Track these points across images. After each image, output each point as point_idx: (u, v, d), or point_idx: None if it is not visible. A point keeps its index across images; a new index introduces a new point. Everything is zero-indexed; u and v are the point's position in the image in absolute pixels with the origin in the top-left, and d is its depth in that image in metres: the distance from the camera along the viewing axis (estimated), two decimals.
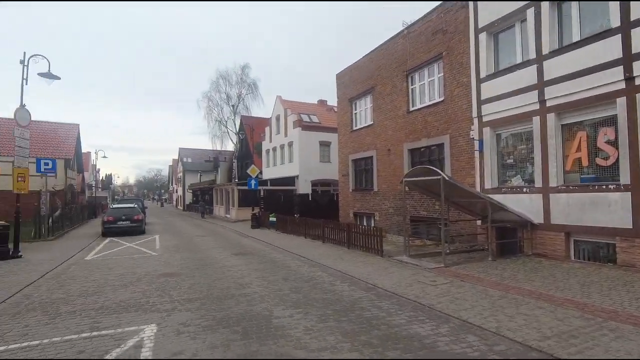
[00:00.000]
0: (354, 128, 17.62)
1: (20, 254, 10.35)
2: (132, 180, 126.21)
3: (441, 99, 12.19)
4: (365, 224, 16.13)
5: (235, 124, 38.67)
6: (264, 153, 33.61)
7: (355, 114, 17.63)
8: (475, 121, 10.84)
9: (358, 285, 7.14)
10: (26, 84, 10.05)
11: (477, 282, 6.99)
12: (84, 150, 40.95)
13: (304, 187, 26.56)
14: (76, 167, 34.70)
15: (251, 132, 28.83)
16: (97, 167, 67.28)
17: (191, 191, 51.58)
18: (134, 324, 4.90)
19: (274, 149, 31.14)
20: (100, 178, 64.39)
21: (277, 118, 30.24)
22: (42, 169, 13.23)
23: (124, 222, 16.86)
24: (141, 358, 3.80)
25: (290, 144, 27.73)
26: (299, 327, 4.78)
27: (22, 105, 10.09)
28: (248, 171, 21.90)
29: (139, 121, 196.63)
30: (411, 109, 13.77)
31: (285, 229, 18.04)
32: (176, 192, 73.21)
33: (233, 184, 27.59)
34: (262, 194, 25.51)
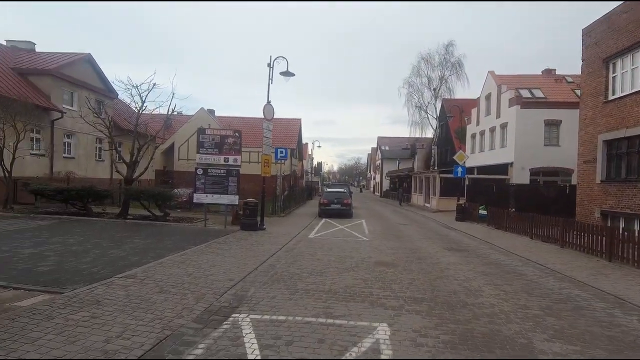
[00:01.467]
0: (610, 98, 13.02)
1: (264, 226, 12.56)
2: (335, 168, 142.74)
3: None
4: (622, 227, 11.74)
5: (435, 109, 36.71)
6: (468, 138, 30.44)
7: (614, 77, 12.95)
8: None
9: None
10: (271, 83, 12.08)
11: None
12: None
13: (519, 176, 22.32)
14: (298, 155, 41.32)
15: (460, 113, 26.19)
16: (312, 156, 79.05)
17: (389, 178, 53.10)
18: (364, 318, 4.60)
19: (482, 133, 27.62)
20: (314, 165, 75.12)
21: (487, 97, 26.54)
22: (279, 157, 15.81)
23: (335, 205, 18.44)
24: None
25: (504, 126, 23.78)
26: None
27: (268, 102, 12.17)
28: (455, 157, 20.02)
29: (341, 115, 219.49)
30: None
31: (500, 225, 15.47)
32: (374, 179, 77.55)
33: (435, 172, 26.16)
34: (466, 182, 23.08)
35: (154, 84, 13.20)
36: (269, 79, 12.02)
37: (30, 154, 17.72)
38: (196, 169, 12.07)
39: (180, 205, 16.73)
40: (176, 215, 14.09)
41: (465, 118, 30.92)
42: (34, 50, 22.51)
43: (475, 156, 28.21)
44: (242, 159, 14.57)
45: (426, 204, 28.78)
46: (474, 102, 29.67)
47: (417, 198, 32.82)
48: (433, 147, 37.99)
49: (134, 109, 14.41)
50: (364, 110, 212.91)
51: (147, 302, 4.82)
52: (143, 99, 13.37)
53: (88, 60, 22.39)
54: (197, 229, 11.80)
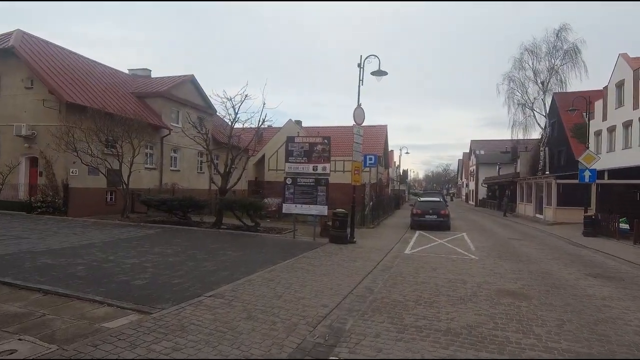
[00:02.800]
0: None
1: (354, 239, 11.64)
2: (421, 176, 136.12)
3: None
4: None
5: (544, 104, 31.89)
6: (591, 136, 25.48)
7: None
8: None
9: None
10: (362, 85, 11.23)
11: None
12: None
13: None
14: (383, 163, 39.78)
15: (587, 105, 21.77)
16: (397, 164, 76.20)
17: (486, 186, 48.04)
18: None
19: (611, 129, 22.83)
20: (399, 173, 72.19)
21: (619, 85, 21.84)
22: (367, 164, 14.85)
23: (431, 216, 16.66)
24: None
25: None
26: None
27: (359, 105, 11.34)
28: (580, 159, 16.65)
29: (426, 120, 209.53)
30: None
31: None
32: (466, 186, 71.35)
33: (550, 177, 22.29)
34: (594, 189, 19.06)
35: (246, 95, 13.45)
36: (359, 80, 11.18)
37: (145, 167, 19.80)
38: (285, 178, 11.77)
39: (270, 215, 16.83)
40: (266, 225, 14.05)
41: (583, 113, 25.94)
42: (150, 76, 25.53)
43: (602, 157, 23.36)
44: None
45: (537, 215, 24.75)
46: (598, 94, 24.77)
47: (524, 208, 28.62)
48: (542, 148, 32.91)
49: (228, 122, 14.93)
50: (451, 114, 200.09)
51: (233, 331, 4.21)
52: (236, 111, 13.72)
53: (191, 81, 24.56)
54: (286, 241, 11.42)
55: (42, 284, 5.52)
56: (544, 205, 23.41)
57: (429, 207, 17.07)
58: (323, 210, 11.36)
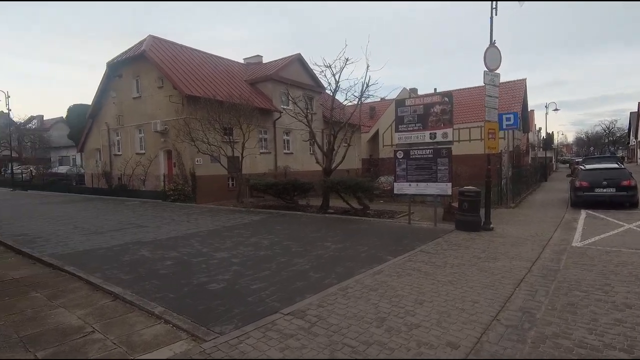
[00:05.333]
0: None
1: (491, 225, 8.91)
2: (570, 139, 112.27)
3: None
4: None
5: None
6: None
7: None
8: None
9: None
10: (496, 15, 8.10)
11: None
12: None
13: None
14: (521, 126, 33.01)
15: None
16: (538, 127, 63.74)
17: None
18: None
19: None
20: (541, 137, 60.33)
21: None
22: (504, 126, 11.52)
23: (605, 190, 12.16)
24: None
25: None
26: None
27: (492, 43, 8.25)
28: None
29: (573, 71, 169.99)
30: None
31: None
32: None
33: None
34: None
35: (347, 59, 11.71)
36: (492, 9, 8.09)
37: (260, 152, 20.25)
38: (395, 151, 9.70)
39: (383, 195, 14.99)
40: (377, 208, 12.32)
41: None
42: (261, 62, 26.12)
43: None
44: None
45: None
46: None
47: None
48: None
49: (329, 93, 13.55)
50: (612, 56, 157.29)
51: None
52: (337, 80, 12.17)
53: (298, 60, 24.02)
54: (399, 227, 9.46)
55: (119, 285, 5.06)
56: None
57: (602, 176, 12.49)
58: (445, 188, 8.93)
